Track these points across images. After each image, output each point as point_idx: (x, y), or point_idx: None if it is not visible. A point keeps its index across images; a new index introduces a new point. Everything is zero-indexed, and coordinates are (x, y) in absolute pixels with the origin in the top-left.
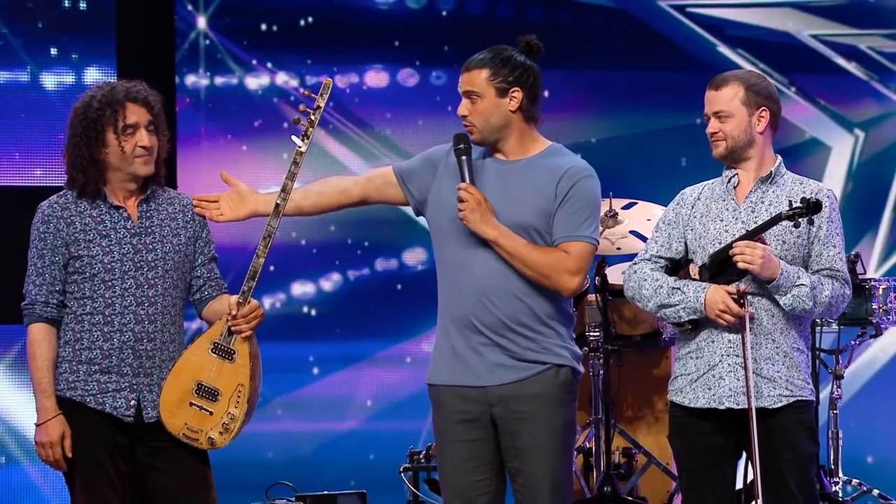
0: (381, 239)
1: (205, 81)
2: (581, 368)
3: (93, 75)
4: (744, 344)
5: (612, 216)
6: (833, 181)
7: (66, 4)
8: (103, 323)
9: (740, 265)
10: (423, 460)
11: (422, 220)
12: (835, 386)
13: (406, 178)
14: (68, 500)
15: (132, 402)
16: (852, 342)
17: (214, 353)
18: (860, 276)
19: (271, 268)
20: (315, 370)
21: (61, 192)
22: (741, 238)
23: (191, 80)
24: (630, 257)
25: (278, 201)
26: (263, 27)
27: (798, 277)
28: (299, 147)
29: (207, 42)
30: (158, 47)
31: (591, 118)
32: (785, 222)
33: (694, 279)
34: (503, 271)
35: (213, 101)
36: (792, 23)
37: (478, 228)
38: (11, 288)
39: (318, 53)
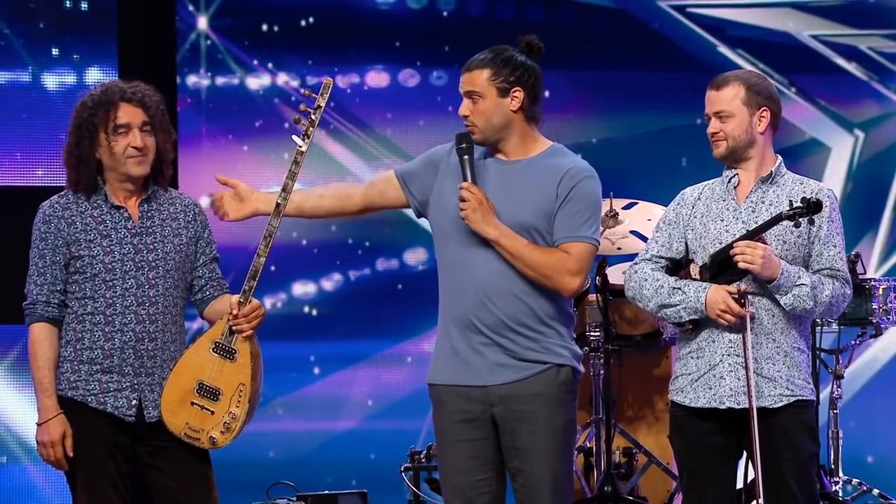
0: (381, 239)
1: (206, 82)
2: (581, 368)
3: (94, 76)
4: (744, 344)
5: (613, 216)
6: (833, 181)
7: (68, 5)
8: (104, 323)
9: (741, 265)
10: (423, 460)
11: (423, 220)
12: (835, 386)
13: (408, 179)
14: (70, 500)
15: (133, 402)
16: (852, 342)
17: (216, 352)
18: (860, 276)
19: (272, 268)
20: (316, 370)
21: (62, 192)
22: (742, 238)
23: (192, 80)
24: (630, 257)
25: (279, 201)
26: (264, 28)
27: (799, 277)
28: (300, 147)
29: (208, 42)
30: (159, 48)
31: (591, 118)
32: (785, 222)
33: (694, 279)
34: (504, 271)
35: (214, 102)
36: (792, 23)
37: (479, 228)
38: (13, 288)
39: (318, 54)
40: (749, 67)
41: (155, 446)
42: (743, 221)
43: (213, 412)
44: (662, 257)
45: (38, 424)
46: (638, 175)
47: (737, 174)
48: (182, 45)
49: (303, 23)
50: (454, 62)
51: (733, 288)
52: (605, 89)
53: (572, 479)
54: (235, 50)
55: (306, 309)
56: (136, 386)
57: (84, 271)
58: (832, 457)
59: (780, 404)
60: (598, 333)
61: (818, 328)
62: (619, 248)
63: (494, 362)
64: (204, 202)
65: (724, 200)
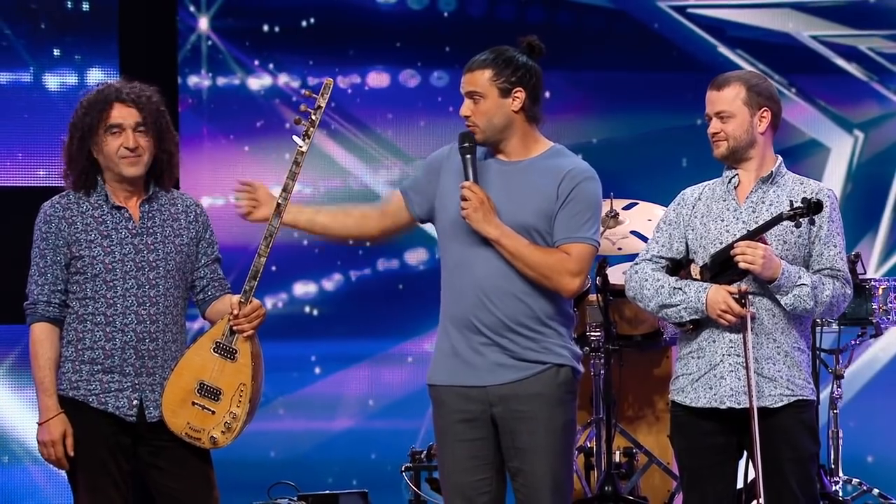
0: None
1: (207, 82)
2: (581, 368)
3: (95, 76)
4: (745, 343)
5: (613, 216)
6: (833, 182)
7: (69, 5)
8: (105, 323)
9: (741, 265)
10: (424, 460)
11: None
12: (835, 386)
13: (411, 193)
14: (71, 500)
15: (135, 402)
16: (852, 342)
17: (216, 352)
18: (860, 276)
19: (273, 268)
20: (317, 370)
21: (64, 193)
22: (742, 238)
23: (193, 81)
24: (631, 257)
25: (279, 201)
26: (265, 28)
27: (799, 277)
28: (300, 147)
29: (209, 43)
30: (160, 48)
31: (591, 119)
32: (786, 222)
33: (695, 279)
34: (504, 271)
35: (215, 102)
36: (792, 24)
37: (480, 227)
38: (15, 288)
39: (319, 54)
40: (749, 68)
41: (156, 446)
42: (743, 221)
43: (213, 412)
44: (663, 257)
45: (39, 424)
46: (638, 175)
47: (737, 174)
48: (183, 45)
49: (304, 23)
50: (455, 63)
51: (734, 288)
52: (606, 90)
53: (572, 479)
54: (236, 51)
55: (307, 309)
56: (138, 386)
57: (85, 272)
58: (832, 457)
59: (780, 404)
60: (598, 333)
61: (818, 328)
62: (619, 249)
63: (494, 362)
64: (205, 202)
65: (724, 200)
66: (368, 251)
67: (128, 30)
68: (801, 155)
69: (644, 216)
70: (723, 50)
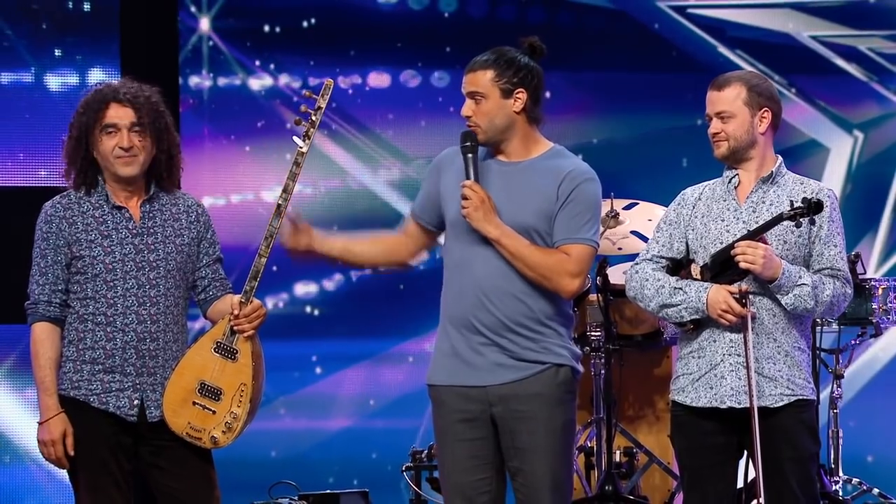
0: None
1: (208, 83)
2: (580, 368)
3: (96, 76)
4: (745, 343)
5: (614, 216)
6: (832, 182)
7: (70, 6)
8: (106, 323)
9: (742, 265)
10: (425, 459)
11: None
12: (835, 385)
13: (420, 210)
14: (72, 500)
15: (135, 402)
16: (852, 342)
17: (217, 352)
18: (860, 276)
19: (274, 268)
20: (318, 369)
21: (65, 193)
22: (743, 238)
23: (194, 81)
24: (631, 257)
25: (280, 202)
26: (266, 29)
27: (800, 277)
28: (300, 147)
29: (210, 44)
30: (162, 49)
31: (592, 119)
32: (786, 222)
33: (695, 279)
34: (503, 271)
35: (216, 103)
36: (792, 24)
37: (480, 227)
38: (16, 288)
39: (320, 55)
40: (749, 68)
41: (157, 446)
42: (743, 221)
43: (214, 412)
44: (663, 257)
45: (39, 423)
46: (638, 175)
47: (737, 174)
48: (184, 46)
49: (304, 24)
50: (455, 63)
51: (734, 288)
52: (606, 90)
53: (572, 479)
54: (237, 51)
55: (308, 309)
56: (138, 386)
57: (85, 272)
58: (832, 456)
59: (780, 404)
60: (598, 333)
61: (818, 328)
62: (619, 249)
63: (494, 362)
64: (206, 202)
65: (724, 200)
66: None
67: (129, 30)
68: (800, 155)
69: (644, 216)
70: (723, 50)
